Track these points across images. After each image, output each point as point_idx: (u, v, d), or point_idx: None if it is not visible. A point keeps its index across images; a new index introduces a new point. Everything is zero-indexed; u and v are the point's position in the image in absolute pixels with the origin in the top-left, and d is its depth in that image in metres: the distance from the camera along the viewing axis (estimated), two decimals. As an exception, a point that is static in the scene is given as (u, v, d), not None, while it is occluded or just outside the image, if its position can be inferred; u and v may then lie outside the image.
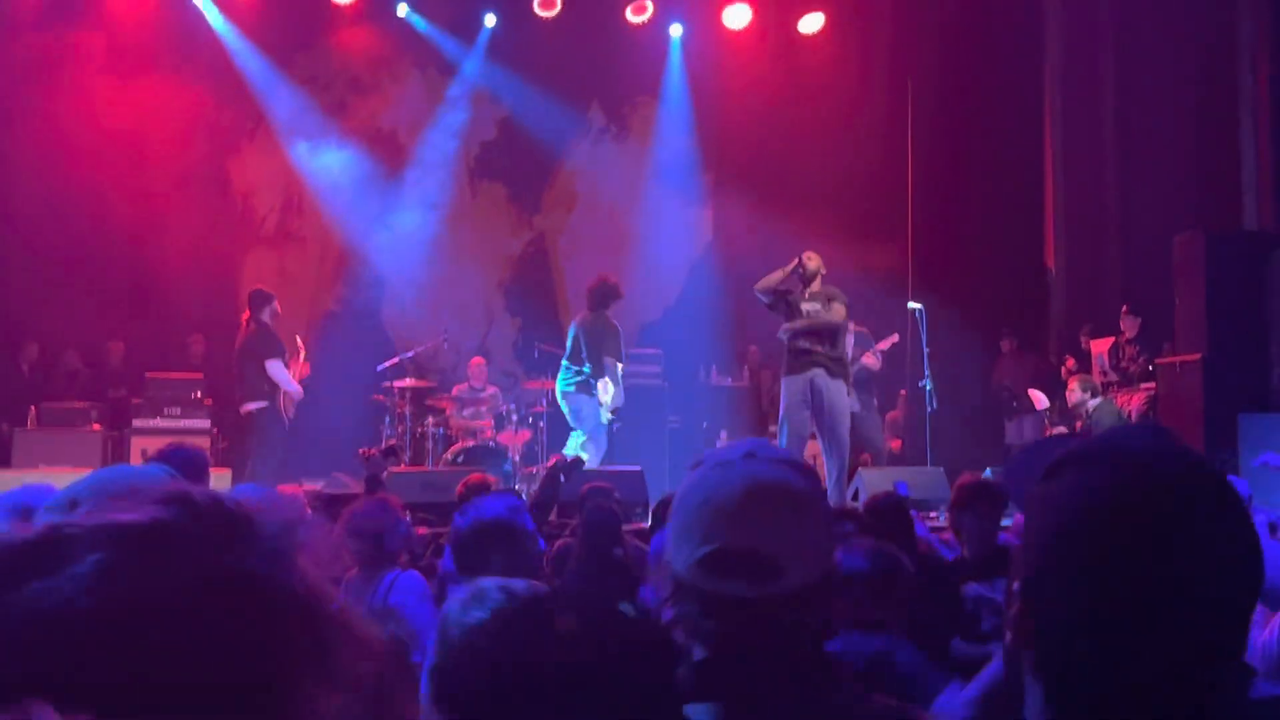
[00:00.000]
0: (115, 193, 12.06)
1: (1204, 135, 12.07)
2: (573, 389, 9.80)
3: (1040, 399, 10.78)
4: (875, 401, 10.93)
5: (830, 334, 9.12)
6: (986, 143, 12.85)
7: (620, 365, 9.82)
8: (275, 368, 9.78)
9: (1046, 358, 12.64)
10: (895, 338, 10.73)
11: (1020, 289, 12.76)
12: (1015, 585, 1.17)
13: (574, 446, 9.60)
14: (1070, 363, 11.90)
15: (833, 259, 12.46)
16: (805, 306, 9.18)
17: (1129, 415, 10.42)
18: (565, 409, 9.90)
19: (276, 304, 10.03)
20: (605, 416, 9.94)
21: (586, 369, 9.73)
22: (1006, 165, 12.97)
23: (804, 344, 9.08)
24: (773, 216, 13.17)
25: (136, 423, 11.10)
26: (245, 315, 9.99)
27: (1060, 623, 1.12)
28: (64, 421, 10.60)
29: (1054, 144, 13.06)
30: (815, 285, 9.27)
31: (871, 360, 10.67)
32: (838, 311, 9.19)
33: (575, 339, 9.83)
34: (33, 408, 10.64)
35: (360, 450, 6.94)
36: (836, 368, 9.10)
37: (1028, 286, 12.85)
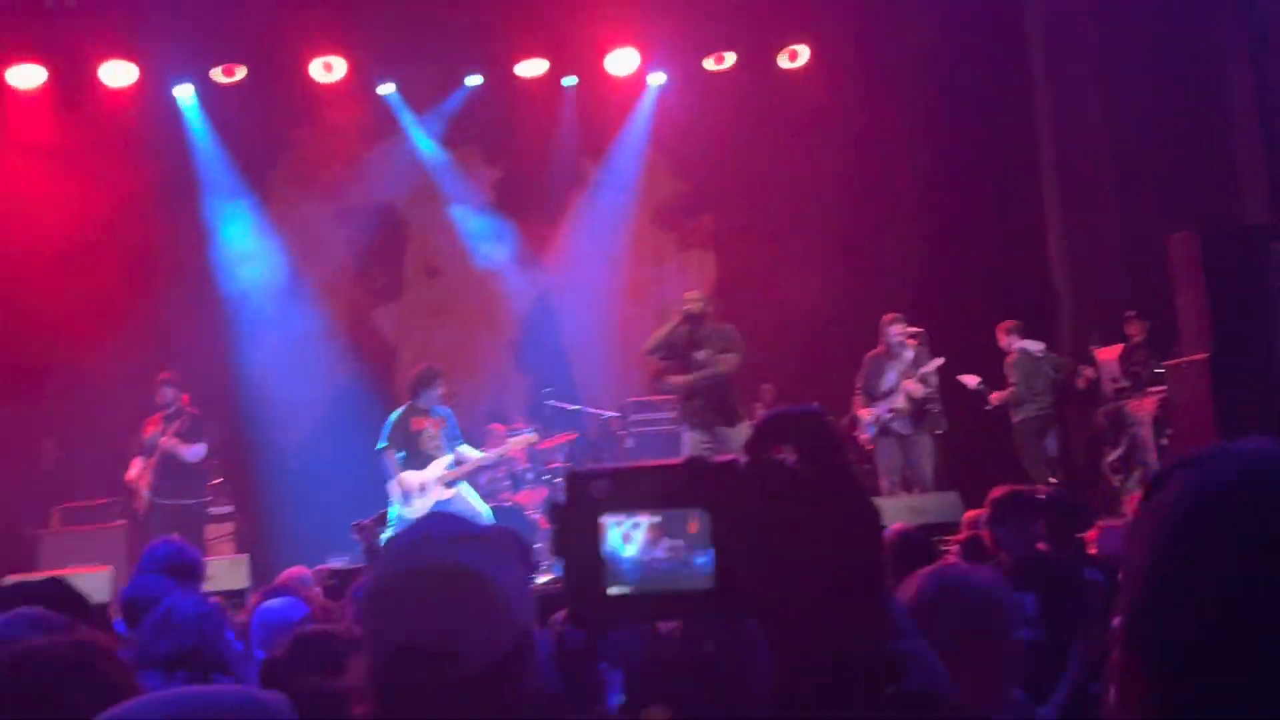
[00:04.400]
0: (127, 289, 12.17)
1: (1196, 133, 12.07)
2: None
3: (970, 380, 10.68)
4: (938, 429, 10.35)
5: (720, 385, 9.21)
6: (981, 158, 12.87)
7: None
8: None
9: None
10: (941, 360, 10.27)
11: (1026, 302, 12.71)
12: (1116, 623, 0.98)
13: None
14: (1089, 372, 11.83)
15: (836, 286, 12.56)
16: (697, 355, 9.25)
17: (1141, 419, 10.37)
18: None
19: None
20: None
21: None
22: (1002, 180, 12.99)
23: (697, 401, 9.21)
24: (774, 251, 13.17)
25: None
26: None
27: (1169, 661, 0.92)
28: (87, 519, 10.70)
29: (1048, 153, 13.06)
30: (705, 327, 9.33)
31: (912, 386, 10.09)
32: (728, 362, 9.25)
33: None
34: (55, 511, 10.76)
35: (353, 524, 7.02)
36: (730, 414, 9.36)
37: (1034, 299, 12.79)
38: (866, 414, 10.18)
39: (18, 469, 11.71)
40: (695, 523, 1.00)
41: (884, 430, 10.15)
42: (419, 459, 9.82)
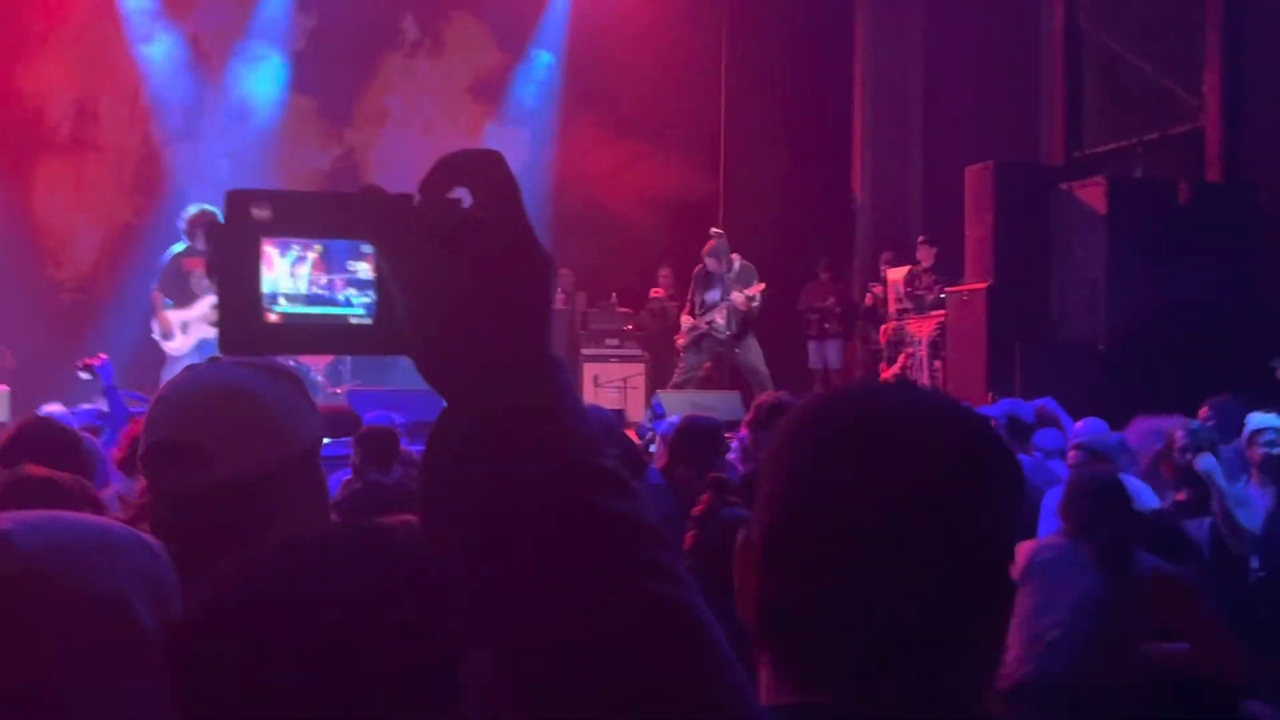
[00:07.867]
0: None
1: (1009, 71, 12.41)
2: None
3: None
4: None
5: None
6: (798, 76, 12.99)
7: None
8: None
9: (850, 285, 13.00)
10: (762, 285, 10.72)
11: (829, 217, 13.01)
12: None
13: None
14: (877, 289, 12.25)
15: (653, 192, 12.52)
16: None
17: (919, 340, 10.79)
18: None
19: None
20: None
21: None
22: (817, 96, 13.16)
23: None
24: (603, 141, 12.98)
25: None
26: None
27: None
28: None
29: (863, 74, 13.29)
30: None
31: (739, 299, 10.66)
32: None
33: None
34: None
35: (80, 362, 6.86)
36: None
37: (836, 215, 13.11)
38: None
39: None
40: (360, 259, 0.96)
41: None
42: (188, 299, 9.47)
